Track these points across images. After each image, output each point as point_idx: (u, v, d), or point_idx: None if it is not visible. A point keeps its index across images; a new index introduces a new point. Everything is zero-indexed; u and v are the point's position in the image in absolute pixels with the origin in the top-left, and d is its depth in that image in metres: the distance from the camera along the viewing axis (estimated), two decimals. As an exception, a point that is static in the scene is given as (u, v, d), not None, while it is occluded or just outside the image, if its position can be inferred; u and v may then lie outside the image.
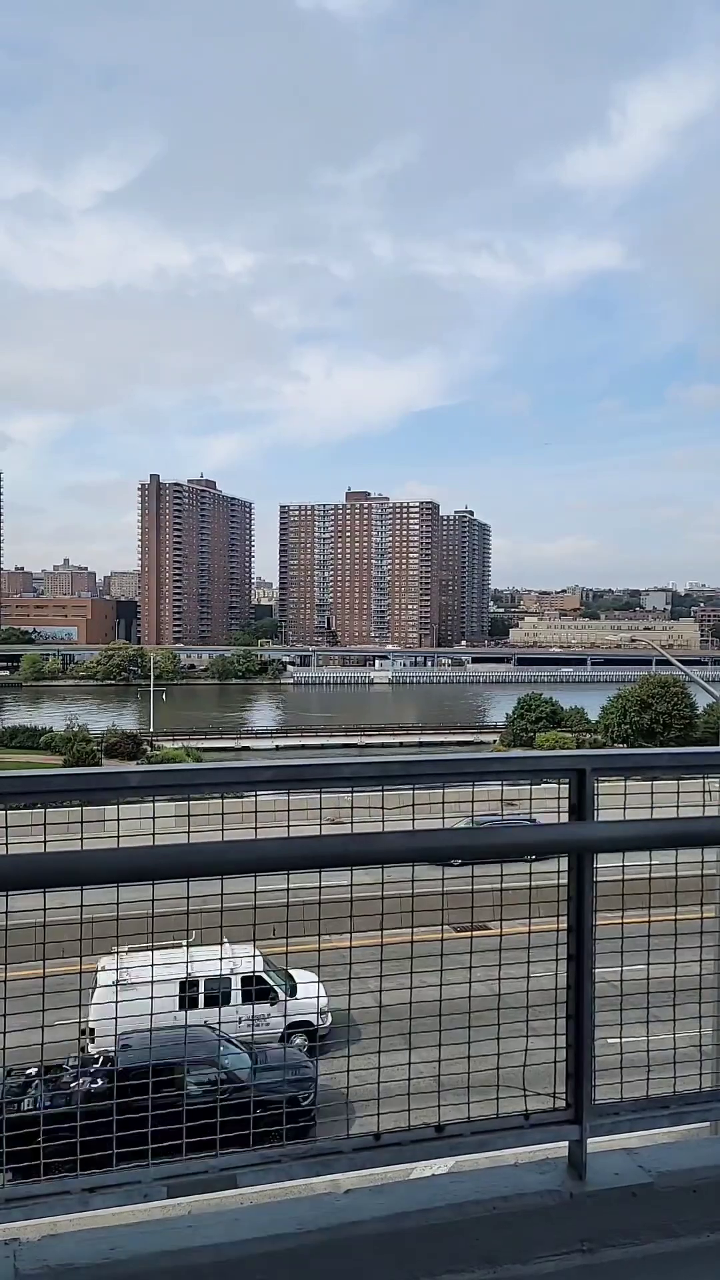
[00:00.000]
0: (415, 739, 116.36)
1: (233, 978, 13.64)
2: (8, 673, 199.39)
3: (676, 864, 3.36)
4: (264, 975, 16.45)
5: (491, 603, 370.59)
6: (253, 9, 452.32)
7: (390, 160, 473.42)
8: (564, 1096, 3.06)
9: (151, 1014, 3.02)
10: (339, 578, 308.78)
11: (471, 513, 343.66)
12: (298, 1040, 18.23)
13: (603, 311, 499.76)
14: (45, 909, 2.68)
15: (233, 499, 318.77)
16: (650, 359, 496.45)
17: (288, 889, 2.88)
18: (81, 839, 2.57)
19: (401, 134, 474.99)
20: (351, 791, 3.07)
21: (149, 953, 3.10)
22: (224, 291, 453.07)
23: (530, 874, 3.16)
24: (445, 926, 3.36)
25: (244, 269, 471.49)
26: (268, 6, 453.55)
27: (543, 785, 3.35)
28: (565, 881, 3.09)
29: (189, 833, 2.71)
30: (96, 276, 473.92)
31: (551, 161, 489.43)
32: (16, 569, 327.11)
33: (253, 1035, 13.64)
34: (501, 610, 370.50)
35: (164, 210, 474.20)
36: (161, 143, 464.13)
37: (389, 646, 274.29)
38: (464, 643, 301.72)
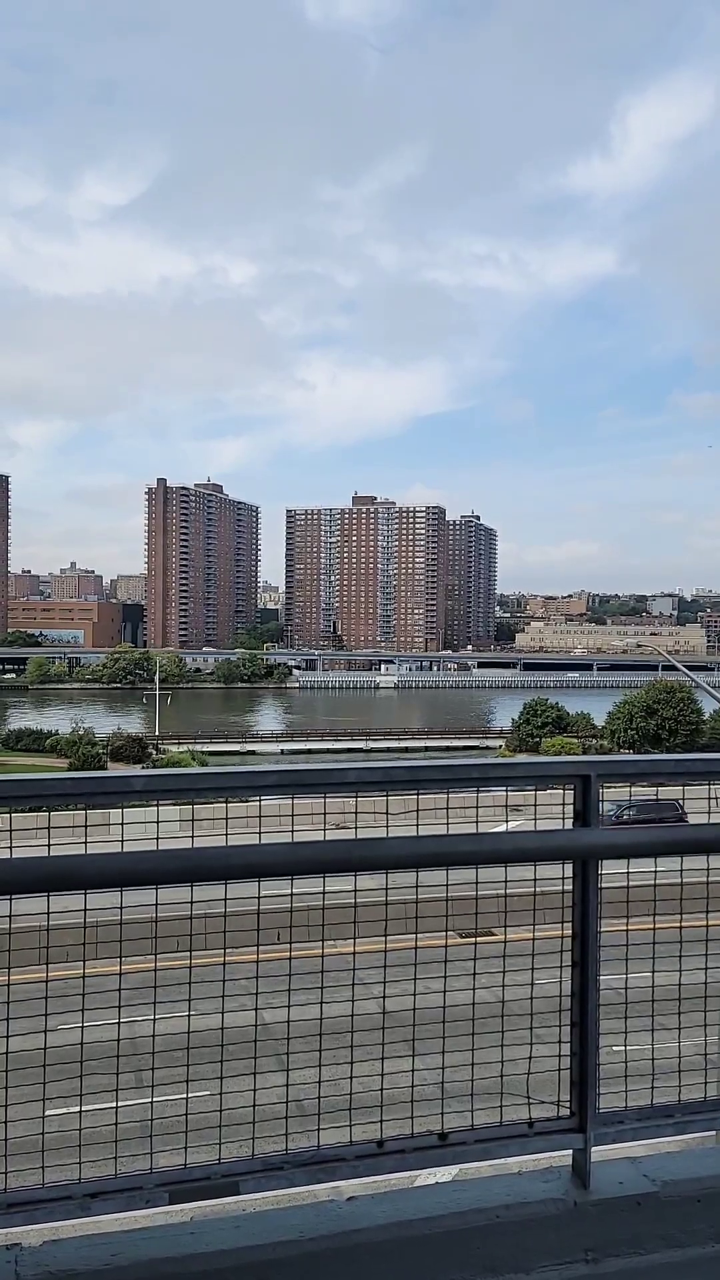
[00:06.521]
0: (420, 744, 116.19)
1: None
2: (14, 675, 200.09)
3: (681, 871, 3.35)
4: None
5: (497, 607, 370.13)
6: (257, 23, 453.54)
7: (394, 171, 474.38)
8: (568, 1104, 3.05)
9: None
10: (345, 582, 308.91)
11: (478, 517, 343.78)
12: None
13: (606, 319, 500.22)
14: (49, 913, 2.68)
15: (239, 503, 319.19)
16: (653, 365, 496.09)
17: (291, 894, 2.88)
18: (86, 843, 2.57)
19: (406, 145, 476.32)
20: (356, 796, 3.06)
21: None
22: (229, 299, 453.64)
23: (535, 880, 3.15)
24: (449, 932, 3.35)
25: (248, 278, 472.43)
26: (272, 20, 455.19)
27: (548, 791, 3.34)
28: (570, 888, 3.08)
29: (193, 837, 2.71)
30: (102, 285, 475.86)
31: (554, 171, 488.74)
32: (23, 572, 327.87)
33: None
34: (507, 615, 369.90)
35: (169, 220, 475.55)
36: (166, 154, 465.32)
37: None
38: (470, 647, 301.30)
